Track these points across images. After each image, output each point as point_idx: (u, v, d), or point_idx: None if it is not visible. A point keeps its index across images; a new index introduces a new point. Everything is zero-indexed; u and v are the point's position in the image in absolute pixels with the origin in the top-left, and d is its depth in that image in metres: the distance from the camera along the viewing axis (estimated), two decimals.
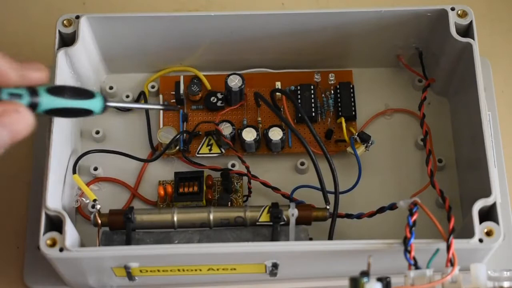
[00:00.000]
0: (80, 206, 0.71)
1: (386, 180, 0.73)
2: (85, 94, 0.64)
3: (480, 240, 0.62)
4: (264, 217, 0.67)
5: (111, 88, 0.76)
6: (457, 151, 0.73)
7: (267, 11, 0.71)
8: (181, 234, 0.67)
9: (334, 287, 0.68)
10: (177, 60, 0.76)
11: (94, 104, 0.64)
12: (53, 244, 0.61)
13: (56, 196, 0.65)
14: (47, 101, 0.60)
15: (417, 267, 0.59)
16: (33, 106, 0.59)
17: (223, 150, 0.73)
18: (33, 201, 0.71)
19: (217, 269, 0.65)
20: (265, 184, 0.71)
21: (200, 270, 0.65)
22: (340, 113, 0.74)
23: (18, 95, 0.58)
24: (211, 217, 0.67)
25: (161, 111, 0.74)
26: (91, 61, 0.73)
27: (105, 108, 0.65)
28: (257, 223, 0.67)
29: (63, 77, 0.68)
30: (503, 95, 0.79)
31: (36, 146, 0.74)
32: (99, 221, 0.66)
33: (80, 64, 0.71)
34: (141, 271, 0.65)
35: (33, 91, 0.59)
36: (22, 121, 0.57)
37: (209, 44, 0.74)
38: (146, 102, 0.75)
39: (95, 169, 0.73)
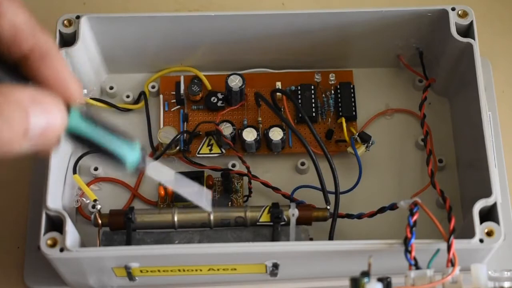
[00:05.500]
0: (80, 206, 0.71)
1: (387, 180, 0.73)
2: (122, 135, 0.52)
3: (481, 240, 0.62)
4: (265, 217, 0.67)
5: (111, 88, 0.76)
6: (458, 151, 0.73)
7: (267, 11, 0.71)
8: (182, 234, 0.67)
9: (334, 287, 0.68)
10: (177, 60, 0.76)
11: (128, 151, 0.52)
12: (53, 244, 0.61)
13: (56, 196, 0.65)
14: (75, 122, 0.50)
15: (417, 267, 0.59)
16: None
17: (223, 150, 0.73)
18: (34, 201, 0.71)
19: (218, 269, 0.65)
20: (265, 184, 0.71)
21: (201, 270, 0.65)
22: (340, 113, 0.74)
23: None
24: (212, 217, 0.67)
25: (162, 112, 0.74)
26: (92, 61, 0.73)
27: (138, 168, 0.52)
28: (258, 223, 0.67)
29: None
30: (504, 95, 0.79)
31: None
32: (100, 221, 0.66)
33: (81, 64, 0.71)
34: (141, 271, 0.65)
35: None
36: (59, 115, 0.48)
37: (210, 44, 0.74)
38: (146, 102, 0.75)
39: (96, 169, 0.72)
